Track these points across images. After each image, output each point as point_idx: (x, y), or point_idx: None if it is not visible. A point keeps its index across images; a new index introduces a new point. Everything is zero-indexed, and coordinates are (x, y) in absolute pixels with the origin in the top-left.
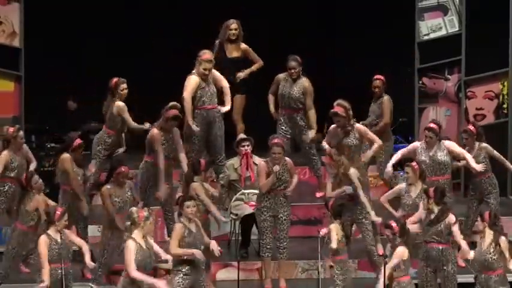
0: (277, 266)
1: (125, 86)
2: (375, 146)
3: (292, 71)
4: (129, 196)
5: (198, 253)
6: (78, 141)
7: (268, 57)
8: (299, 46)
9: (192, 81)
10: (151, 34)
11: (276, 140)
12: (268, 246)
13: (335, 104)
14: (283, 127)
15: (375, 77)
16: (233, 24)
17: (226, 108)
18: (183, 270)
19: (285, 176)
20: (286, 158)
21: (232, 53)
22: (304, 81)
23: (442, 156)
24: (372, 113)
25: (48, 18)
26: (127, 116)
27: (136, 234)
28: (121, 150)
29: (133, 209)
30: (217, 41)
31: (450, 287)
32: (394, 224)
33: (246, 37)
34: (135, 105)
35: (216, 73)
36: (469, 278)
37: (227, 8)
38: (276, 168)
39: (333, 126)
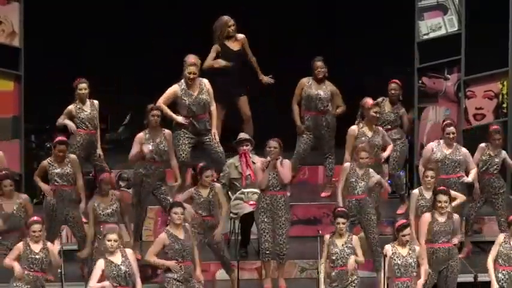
0: (276, 266)
1: (83, 86)
2: (390, 147)
3: (320, 70)
4: (115, 209)
5: (173, 266)
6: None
7: (268, 57)
8: (299, 46)
9: (170, 89)
10: (151, 34)
11: (273, 138)
12: (268, 252)
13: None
14: (307, 132)
15: (392, 81)
16: (230, 21)
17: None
18: (176, 277)
19: (279, 176)
20: (285, 160)
21: (235, 46)
22: (329, 84)
23: (458, 156)
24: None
25: (48, 18)
26: (64, 117)
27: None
28: (98, 151)
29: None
30: (216, 45)
31: (452, 284)
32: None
33: (246, 37)
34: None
35: (211, 92)
36: (469, 278)
37: (227, 8)
38: (267, 159)
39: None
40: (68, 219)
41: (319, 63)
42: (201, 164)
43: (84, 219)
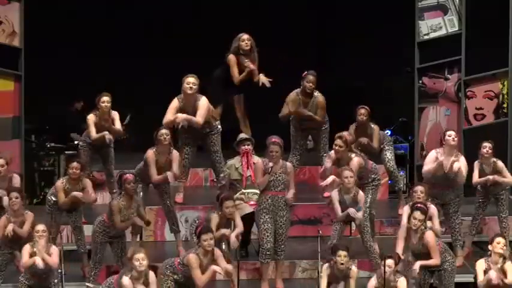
0: (274, 265)
1: (105, 99)
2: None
3: (311, 84)
4: (133, 212)
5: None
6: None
7: (268, 58)
8: (299, 46)
9: (172, 103)
10: (151, 34)
11: (274, 139)
12: (269, 252)
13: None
14: (298, 132)
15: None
16: (243, 36)
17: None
18: (175, 277)
19: (283, 177)
20: (287, 163)
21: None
22: (317, 96)
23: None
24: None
25: (48, 18)
26: (90, 128)
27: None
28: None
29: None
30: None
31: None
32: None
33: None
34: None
35: (201, 105)
36: (469, 278)
37: (227, 8)
38: (270, 164)
39: None
40: (71, 211)
41: (311, 78)
42: (222, 195)
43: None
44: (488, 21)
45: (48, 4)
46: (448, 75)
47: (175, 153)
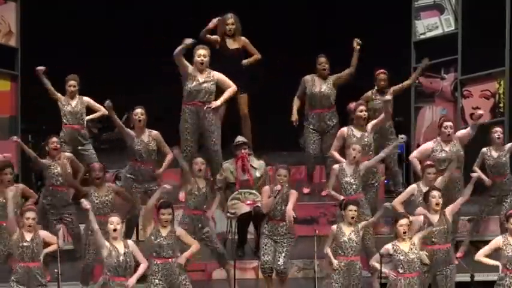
0: (279, 281)
1: (71, 83)
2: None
3: (325, 66)
4: (109, 199)
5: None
6: None
7: (267, 57)
8: (299, 46)
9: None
10: (149, 34)
11: (282, 165)
12: (268, 264)
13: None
14: (311, 127)
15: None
16: (229, 19)
17: (214, 104)
18: (158, 276)
19: (282, 207)
20: (291, 190)
21: (232, 45)
22: (331, 77)
23: (459, 151)
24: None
25: (45, 18)
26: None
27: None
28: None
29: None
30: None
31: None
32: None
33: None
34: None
35: (223, 76)
36: (466, 278)
37: (227, 8)
38: (278, 187)
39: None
40: (63, 218)
41: (322, 59)
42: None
43: None
44: (485, 20)
45: (48, 4)
46: (445, 75)
47: (154, 133)
